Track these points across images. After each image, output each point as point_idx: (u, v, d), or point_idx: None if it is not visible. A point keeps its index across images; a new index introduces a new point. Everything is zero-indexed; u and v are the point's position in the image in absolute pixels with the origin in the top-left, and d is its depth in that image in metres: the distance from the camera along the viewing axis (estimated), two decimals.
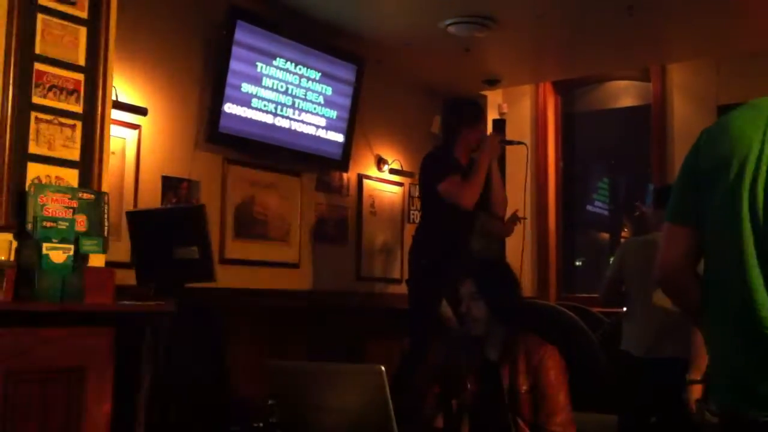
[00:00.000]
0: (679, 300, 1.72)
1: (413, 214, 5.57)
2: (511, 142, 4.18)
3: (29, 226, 2.55)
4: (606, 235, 6.23)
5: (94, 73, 2.89)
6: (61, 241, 2.54)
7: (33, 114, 2.71)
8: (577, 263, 6.16)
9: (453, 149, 3.89)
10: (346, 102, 4.83)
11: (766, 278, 1.43)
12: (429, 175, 3.88)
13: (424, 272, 3.86)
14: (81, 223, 2.65)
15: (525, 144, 4.34)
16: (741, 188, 1.47)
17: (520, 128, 6.03)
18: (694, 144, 1.63)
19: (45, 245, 2.50)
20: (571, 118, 6.12)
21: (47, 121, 2.74)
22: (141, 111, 3.79)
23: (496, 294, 2.56)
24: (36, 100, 2.72)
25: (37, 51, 2.73)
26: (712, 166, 1.54)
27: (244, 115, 4.22)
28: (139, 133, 3.81)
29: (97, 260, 2.80)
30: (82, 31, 2.87)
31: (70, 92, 2.82)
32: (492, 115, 5.99)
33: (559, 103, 6.08)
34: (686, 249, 1.59)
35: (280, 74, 4.41)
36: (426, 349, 3.77)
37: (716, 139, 1.57)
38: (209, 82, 4.11)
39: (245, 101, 4.23)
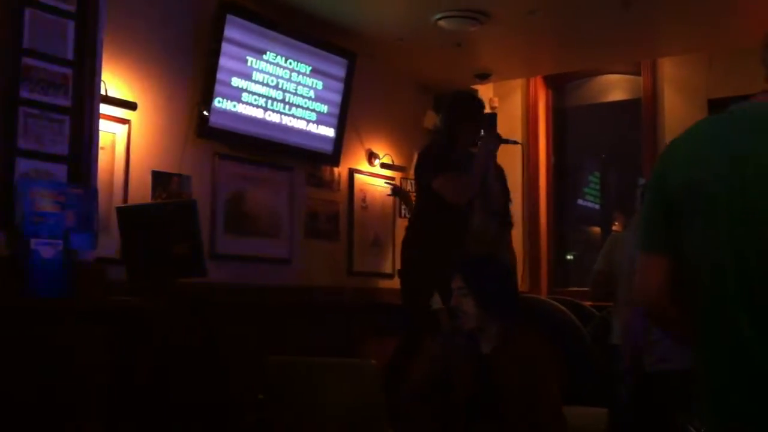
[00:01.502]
0: (667, 329, 1.68)
1: (404, 208, 5.56)
2: (506, 141, 4.15)
3: (18, 222, 2.54)
4: (597, 229, 6.25)
5: (83, 68, 2.87)
6: (50, 237, 2.52)
7: (21, 109, 2.69)
8: (569, 257, 6.17)
9: (451, 144, 3.88)
10: (337, 96, 4.81)
11: (753, 314, 1.37)
12: (425, 169, 3.87)
13: (415, 264, 3.86)
14: (70, 218, 2.64)
15: (520, 143, 4.32)
16: (718, 224, 1.41)
17: (511, 123, 6.03)
18: (655, 168, 1.56)
19: (34, 240, 2.49)
20: (562, 112, 6.12)
21: (35, 116, 2.72)
22: (130, 105, 3.77)
23: (485, 289, 2.56)
24: (24, 94, 2.70)
25: (25, 45, 2.71)
26: (681, 195, 1.48)
27: (234, 109, 4.20)
28: (129, 127, 3.79)
29: (86, 256, 2.79)
30: (70, 24, 2.85)
31: (59, 87, 2.80)
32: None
33: (550, 98, 6.08)
34: (665, 279, 1.52)
35: (270, 69, 4.39)
36: (418, 342, 3.78)
37: (679, 164, 1.50)
38: (199, 76, 4.09)
39: (235, 96, 4.21)
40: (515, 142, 4.25)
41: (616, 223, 5.38)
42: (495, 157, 3.92)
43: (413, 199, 4.48)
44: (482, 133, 3.90)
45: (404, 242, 4.05)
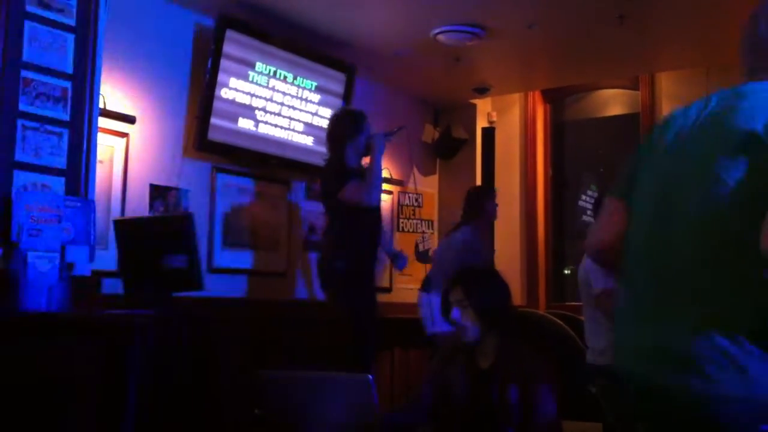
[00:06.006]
0: (610, 270, 1.77)
1: (402, 222, 5.57)
2: (391, 133, 4.20)
3: (15, 234, 2.54)
4: None
5: (82, 81, 2.88)
6: (47, 250, 2.52)
7: (20, 121, 2.70)
8: (566, 272, 6.16)
9: (344, 157, 3.93)
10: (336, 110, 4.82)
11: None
12: (329, 186, 3.91)
13: (343, 275, 3.85)
14: (67, 231, 2.64)
15: (405, 128, 4.35)
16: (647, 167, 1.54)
17: (509, 137, 6.04)
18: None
19: (30, 254, 2.49)
20: (561, 127, 6.14)
21: (34, 129, 2.73)
22: (129, 119, 3.78)
23: (485, 301, 2.55)
24: (23, 107, 2.71)
25: (25, 58, 2.73)
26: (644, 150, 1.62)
27: (232, 124, 4.21)
28: (127, 141, 3.80)
29: (83, 269, 2.79)
30: (70, 38, 2.86)
31: (58, 100, 2.81)
32: (482, 124, 6.01)
33: (548, 112, 6.09)
34: (620, 221, 1.58)
35: (268, 83, 4.40)
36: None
37: (657, 130, 1.65)
38: (198, 90, 4.10)
39: (234, 110, 4.22)
40: (400, 129, 4.29)
41: None
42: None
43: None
44: (370, 138, 3.98)
45: (322, 255, 4.04)
